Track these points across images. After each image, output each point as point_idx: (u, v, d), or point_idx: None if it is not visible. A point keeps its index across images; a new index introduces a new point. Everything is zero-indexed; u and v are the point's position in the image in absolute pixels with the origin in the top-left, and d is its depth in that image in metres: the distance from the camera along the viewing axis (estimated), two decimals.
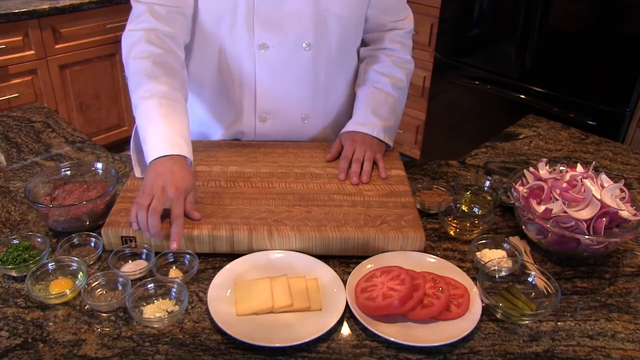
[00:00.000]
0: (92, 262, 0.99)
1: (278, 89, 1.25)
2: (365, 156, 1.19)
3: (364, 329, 0.86)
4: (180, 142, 1.05)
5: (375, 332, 0.84)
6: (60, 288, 0.91)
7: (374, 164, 1.20)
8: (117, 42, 2.99)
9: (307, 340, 0.82)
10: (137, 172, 1.15)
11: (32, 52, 2.70)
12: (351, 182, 1.14)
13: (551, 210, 0.99)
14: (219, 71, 1.25)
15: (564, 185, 1.02)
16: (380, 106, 1.29)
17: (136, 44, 1.12)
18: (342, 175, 1.16)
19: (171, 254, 0.99)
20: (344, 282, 0.93)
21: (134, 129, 1.12)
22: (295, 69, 1.23)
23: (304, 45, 1.20)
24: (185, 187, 1.01)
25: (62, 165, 1.17)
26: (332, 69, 1.29)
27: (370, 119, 1.26)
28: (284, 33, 1.18)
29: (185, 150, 1.05)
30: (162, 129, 1.05)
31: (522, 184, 1.09)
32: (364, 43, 1.36)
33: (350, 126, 1.27)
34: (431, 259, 1.00)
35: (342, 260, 1.01)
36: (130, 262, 0.99)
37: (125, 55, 1.14)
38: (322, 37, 1.21)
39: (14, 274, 0.95)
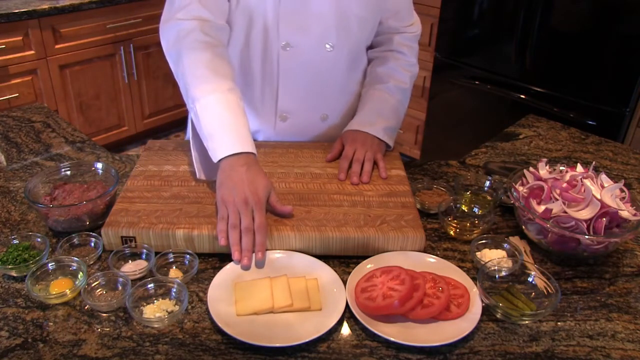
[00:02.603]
0: (92, 262, 0.99)
1: (299, 89, 1.26)
2: (366, 156, 1.19)
3: (364, 329, 0.86)
4: (249, 139, 1.03)
5: (375, 332, 0.84)
6: (60, 288, 0.91)
7: (375, 164, 1.20)
8: (117, 42, 3.01)
9: (307, 340, 0.82)
10: (202, 175, 1.12)
11: (32, 52, 2.70)
12: (351, 182, 1.14)
13: (551, 210, 0.99)
14: (242, 70, 1.24)
15: (564, 185, 1.02)
16: (383, 107, 1.29)
17: (190, 33, 1.08)
18: (342, 175, 1.16)
19: (171, 254, 0.99)
20: (344, 282, 0.93)
21: (190, 126, 1.08)
22: (317, 68, 1.24)
23: (327, 46, 1.21)
24: (265, 193, 0.99)
25: (62, 165, 1.17)
26: (350, 69, 1.30)
27: (372, 119, 1.27)
28: (308, 33, 1.18)
29: (253, 148, 1.03)
30: (232, 126, 1.02)
31: (522, 184, 1.09)
32: (370, 45, 1.37)
33: (352, 125, 1.28)
34: (431, 259, 1.00)
35: (342, 260, 1.01)
36: (130, 262, 0.99)
37: (172, 44, 1.10)
38: (344, 38, 1.22)
39: (14, 274, 0.95)
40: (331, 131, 1.35)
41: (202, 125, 1.04)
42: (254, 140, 1.32)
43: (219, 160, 1.02)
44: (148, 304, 0.89)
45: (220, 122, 1.03)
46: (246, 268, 0.96)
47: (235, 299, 0.90)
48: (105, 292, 0.93)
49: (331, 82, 1.28)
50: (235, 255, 0.96)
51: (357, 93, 1.36)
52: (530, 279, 0.96)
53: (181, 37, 1.09)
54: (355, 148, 1.21)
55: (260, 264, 0.97)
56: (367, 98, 1.31)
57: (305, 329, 0.85)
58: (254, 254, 0.97)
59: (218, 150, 1.02)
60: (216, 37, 1.11)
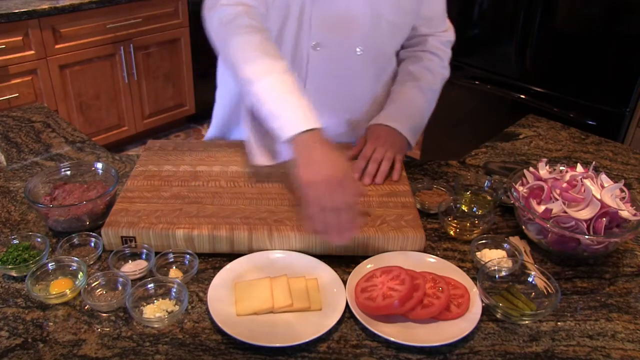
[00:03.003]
0: (92, 262, 0.99)
1: (327, 90, 1.25)
2: (385, 155, 1.18)
3: (364, 329, 0.86)
4: (314, 115, 0.99)
5: (375, 332, 0.84)
6: (60, 288, 0.91)
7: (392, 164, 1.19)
8: (117, 42, 3.01)
9: (307, 340, 0.82)
10: (261, 160, 1.10)
11: (32, 52, 2.70)
12: (364, 182, 1.14)
13: (551, 210, 0.99)
14: None
15: (564, 185, 1.02)
16: (412, 104, 1.29)
17: (237, 17, 1.06)
18: (357, 175, 1.15)
19: (171, 254, 0.99)
20: (344, 282, 0.93)
21: (244, 111, 1.07)
22: (345, 71, 1.24)
23: (357, 49, 1.20)
24: (346, 169, 0.96)
25: (62, 165, 1.17)
26: (378, 74, 1.30)
27: (400, 115, 1.26)
28: (340, 35, 1.18)
29: (319, 123, 0.99)
30: (296, 104, 0.99)
31: (522, 184, 1.09)
32: (402, 46, 1.36)
33: (378, 119, 1.27)
34: (431, 259, 1.00)
35: (342, 260, 1.01)
36: (130, 262, 0.99)
37: (217, 29, 1.08)
38: (375, 43, 1.22)
39: (14, 274, 0.95)
40: (354, 133, 1.34)
41: (265, 106, 1.01)
42: None
43: (288, 140, 0.98)
44: (148, 304, 0.89)
45: (285, 101, 1.00)
46: (342, 246, 0.96)
47: (235, 299, 0.90)
48: (105, 292, 0.93)
49: (358, 85, 1.28)
50: (332, 236, 0.92)
51: (383, 97, 1.35)
52: (530, 279, 0.96)
53: (226, 22, 1.07)
54: (375, 146, 1.19)
55: (350, 243, 0.96)
56: (397, 94, 1.31)
57: (305, 329, 0.85)
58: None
59: (286, 128, 0.98)
60: (262, 24, 1.09)
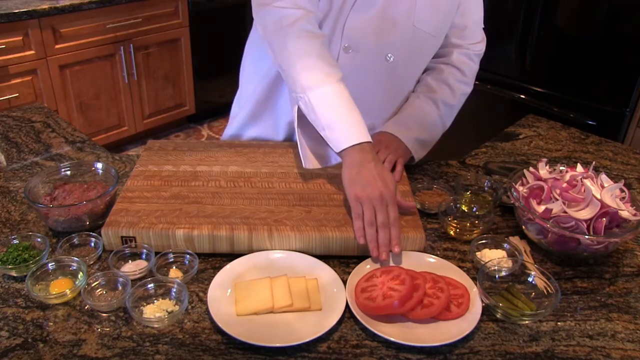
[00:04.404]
0: (92, 262, 0.99)
1: (353, 94, 1.23)
2: (387, 159, 1.18)
3: (364, 329, 0.86)
4: (366, 128, 1.02)
5: (375, 332, 0.84)
6: (60, 288, 0.91)
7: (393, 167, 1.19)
8: (117, 42, 3.01)
9: (307, 340, 0.82)
10: (310, 164, 1.11)
11: (32, 52, 2.70)
12: None
13: (551, 210, 0.99)
14: None
15: (564, 185, 1.02)
16: (422, 117, 1.28)
17: (296, 21, 1.06)
18: None
19: (171, 254, 0.99)
20: (344, 282, 0.93)
21: (296, 114, 1.07)
22: (373, 76, 1.23)
23: (388, 56, 1.20)
24: (394, 187, 0.99)
25: (62, 165, 1.17)
26: (405, 82, 1.29)
27: (407, 126, 1.26)
28: (372, 40, 1.17)
29: (370, 137, 1.03)
30: (350, 116, 1.02)
31: (522, 184, 1.09)
32: None
33: (386, 127, 1.27)
34: (431, 259, 1.00)
35: (342, 260, 1.01)
36: (130, 262, 0.99)
37: (274, 30, 1.08)
38: (406, 52, 1.21)
39: (14, 274, 0.95)
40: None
41: (319, 115, 1.03)
42: (289, 140, 1.33)
43: (342, 151, 1.01)
44: (148, 304, 0.89)
45: (339, 112, 1.02)
46: (385, 263, 0.97)
47: (235, 299, 0.90)
48: (105, 292, 0.93)
49: (384, 92, 1.27)
50: (374, 252, 0.96)
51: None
52: (530, 279, 0.96)
53: (286, 25, 1.06)
54: (378, 149, 1.20)
55: (397, 259, 0.98)
56: (410, 104, 1.30)
57: (305, 329, 0.85)
58: (393, 248, 0.96)
59: (341, 140, 1.01)
60: (318, 28, 1.10)
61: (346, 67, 1.19)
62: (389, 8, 1.15)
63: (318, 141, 1.10)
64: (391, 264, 0.97)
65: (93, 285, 0.92)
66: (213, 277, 0.94)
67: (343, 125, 1.02)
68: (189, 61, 3.40)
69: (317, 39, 1.07)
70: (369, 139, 1.02)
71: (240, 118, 1.36)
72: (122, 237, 0.99)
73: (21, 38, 2.64)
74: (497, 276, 0.97)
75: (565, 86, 2.39)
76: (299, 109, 1.07)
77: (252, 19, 1.20)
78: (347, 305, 0.89)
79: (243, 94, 1.37)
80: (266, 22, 1.10)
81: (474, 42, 1.32)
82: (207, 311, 0.88)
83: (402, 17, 1.16)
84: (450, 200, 1.14)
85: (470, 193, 1.18)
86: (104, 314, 0.88)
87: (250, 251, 1.00)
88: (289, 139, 1.34)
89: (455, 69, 1.32)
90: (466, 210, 1.14)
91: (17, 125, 1.49)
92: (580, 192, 1.00)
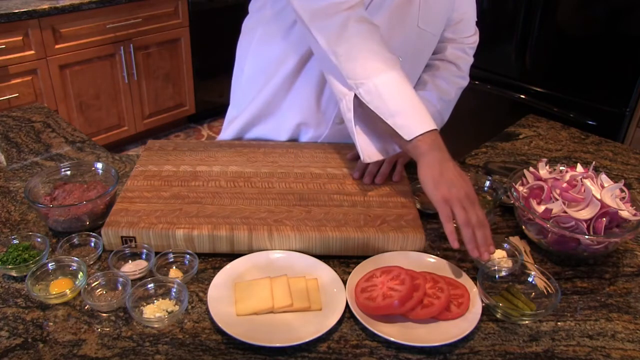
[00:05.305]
0: (92, 262, 0.99)
1: None
2: (387, 159, 1.18)
3: (364, 329, 0.86)
4: (430, 116, 1.01)
5: (375, 332, 0.84)
6: (60, 288, 0.91)
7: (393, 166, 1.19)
8: (117, 42, 3.01)
9: (307, 340, 0.82)
10: (368, 157, 1.08)
11: (32, 52, 2.70)
12: (364, 181, 1.14)
13: (551, 210, 0.99)
14: (307, 67, 1.22)
15: (564, 185, 1.02)
16: None
17: (355, 6, 1.04)
18: (357, 174, 1.15)
19: (171, 254, 0.99)
20: (344, 282, 0.93)
21: (352, 106, 1.04)
22: None
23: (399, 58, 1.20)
24: (470, 182, 0.98)
25: (62, 165, 1.17)
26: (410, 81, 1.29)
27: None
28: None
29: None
30: (418, 102, 1.00)
31: (522, 184, 1.09)
32: None
33: None
34: (431, 259, 1.00)
35: (342, 260, 1.01)
36: (130, 262, 0.99)
37: (331, 13, 1.03)
38: (410, 53, 1.21)
39: (14, 274, 0.95)
40: None
41: (388, 102, 1.00)
42: (300, 138, 1.32)
43: (413, 139, 0.98)
44: (148, 304, 0.89)
45: (409, 98, 1.00)
46: (487, 262, 0.95)
47: (235, 299, 0.90)
48: (105, 292, 0.93)
49: None
50: (475, 252, 0.94)
51: None
52: (530, 279, 0.96)
53: (345, 8, 1.03)
54: None
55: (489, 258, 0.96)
56: None
57: (305, 329, 0.85)
58: (489, 249, 0.95)
59: (412, 127, 0.98)
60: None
61: None
62: (397, 10, 1.15)
63: (373, 133, 1.07)
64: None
65: (93, 285, 0.92)
66: (213, 277, 0.94)
67: (414, 111, 0.99)
68: (189, 61, 3.40)
69: (374, 25, 1.05)
70: (435, 126, 1.00)
71: (240, 122, 1.35)
72: (122, 237, 0.99)
73: (21, 38, 2.64)
74: (497, 276, 0.97)
75: (565, 86, 2.39)
76: (355, 99, 1.03)
77: None
78: (347, 305, 0.89)
79: (243, 99, 1.36)
80: (319, 6, 1.04)
81: (467, 36, 1.33)
82: (207, 311, 0.88)
83: (409, 18, 1.16)
84: None
85: None
86: (104, 314, 0.88)
87: (250, 251, 1.00)
88: (294, 140, 1.33)
89: (450, 64, 1.32)
90: None
91: (17, 125, 1.49)
92: (580, 192, 1.00)
